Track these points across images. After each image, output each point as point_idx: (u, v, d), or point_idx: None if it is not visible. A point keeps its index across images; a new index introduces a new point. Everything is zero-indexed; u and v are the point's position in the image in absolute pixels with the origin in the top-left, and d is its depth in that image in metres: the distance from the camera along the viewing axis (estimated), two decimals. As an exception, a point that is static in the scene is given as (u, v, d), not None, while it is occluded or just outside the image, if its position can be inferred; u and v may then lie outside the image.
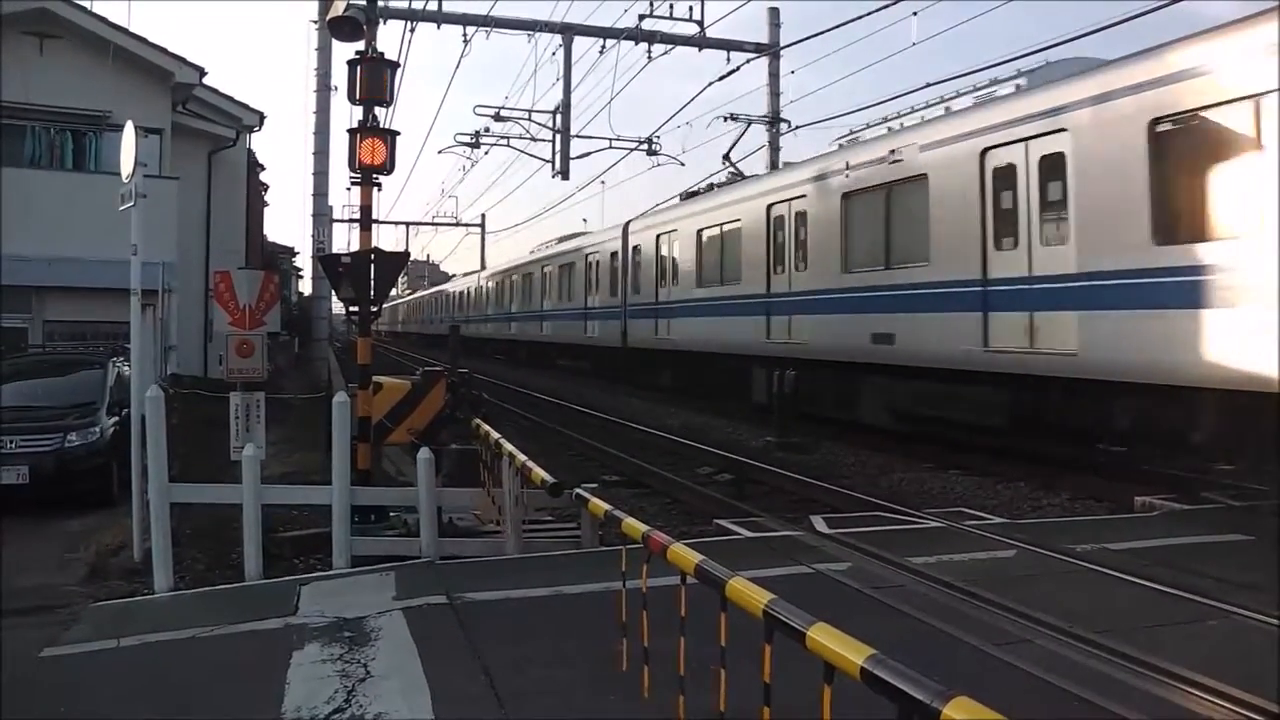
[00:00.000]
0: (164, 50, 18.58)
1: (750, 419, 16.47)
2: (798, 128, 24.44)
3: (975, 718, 1.92)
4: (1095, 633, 4.77)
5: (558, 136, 23.19)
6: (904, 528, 7.90)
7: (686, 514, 9.72)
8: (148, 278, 8.15)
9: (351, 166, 8.07)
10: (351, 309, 8.11)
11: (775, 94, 24.30)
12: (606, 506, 4.74)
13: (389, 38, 25.63)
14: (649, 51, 21.52)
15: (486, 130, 26.11)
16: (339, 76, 23.60)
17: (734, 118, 22.71)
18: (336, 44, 16.52)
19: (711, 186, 20.72)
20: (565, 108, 22.74)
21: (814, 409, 14.92)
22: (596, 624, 4.83)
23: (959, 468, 11.76)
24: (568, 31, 21.73)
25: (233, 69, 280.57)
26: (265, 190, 33.29)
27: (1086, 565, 6.32)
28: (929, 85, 14.30)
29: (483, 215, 66.43)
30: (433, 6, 20.56)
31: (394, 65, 8.33)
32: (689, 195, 21.42)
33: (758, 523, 8.15)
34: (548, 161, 23.71)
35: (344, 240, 50.39)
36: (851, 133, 15.22)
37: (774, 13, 23.72)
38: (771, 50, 23.53)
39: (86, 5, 17.87)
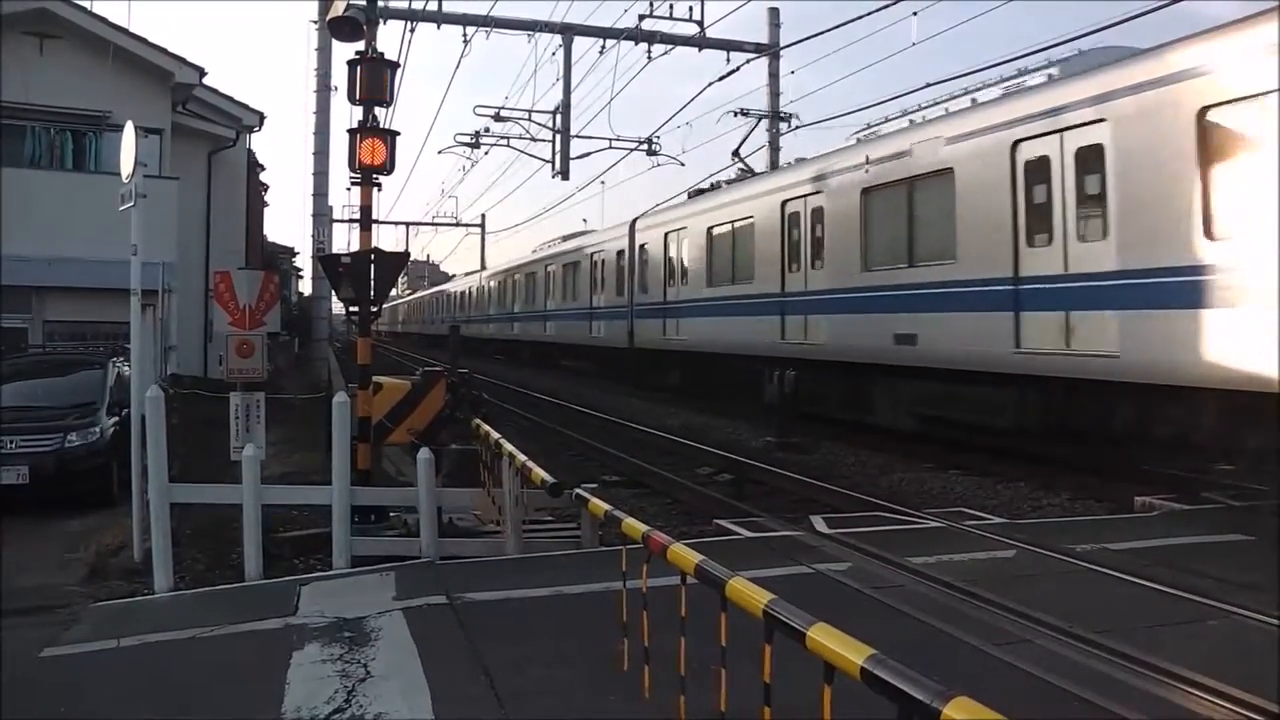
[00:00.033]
0: (164, 50, 18.58)
1: (751, 419, 16.44)
2: (798, 127, 24.34)
3: (975, 718, 1.92)
4: (1095, 633, 4.77)
5: (558, 136, 23.21)
6: (904, 528, 7.89)
7: (686, 514, 9.72)
8: (148, 278, 8.15)
9: (351, 167, 8.07)
10: (351, 309, 8.10)
11: (775, 94, 24.30)
12: (606, 506, 4.74)
13: (389, 38, 25.64)
14: (649, 52, 21.54)
15: (486, 130, 26.16)
16: (339, 76, 23.64)
17: (744, 113, 22.44)
18: (336, 44, 16.54)
19: (718, 185, 20.36)
20: (565, 108, 22.75)
21: (831, 411, 14.61)
22: (597, 624, 4.83)
23: (959, 468, 11.75)
24: (568, 32, 21.74)
25: (233, 69, 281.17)
26: (265, 190, 33.29)
27: (1086, 565, 6.32)
28: (929, 85, 14.29)
29: (483, 215, 66.59)
30: (433, 6, 20.60)
31: (394, 65, 8.33)
32: (697, 193, 21.06)
33: (758, 523, 8.15)
34: (548, 161, 23.74)
35: (344, 240, 50.50)
36: (869, 127, 14.78)
37: (774, 13, 23.74)
38: (771, 50, 23.53)
39: (86, 5, 17.90)
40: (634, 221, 23.26)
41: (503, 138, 25.92)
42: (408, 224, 57.42)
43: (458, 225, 53.97)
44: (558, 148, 23.21)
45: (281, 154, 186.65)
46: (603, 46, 21.73)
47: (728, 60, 22.01)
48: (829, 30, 23.43)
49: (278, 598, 5.96)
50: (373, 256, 8.04)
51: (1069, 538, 7.09)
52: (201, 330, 19.26)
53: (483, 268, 49.14)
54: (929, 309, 12.03)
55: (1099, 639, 4.69)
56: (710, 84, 21.26)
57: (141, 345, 7.83)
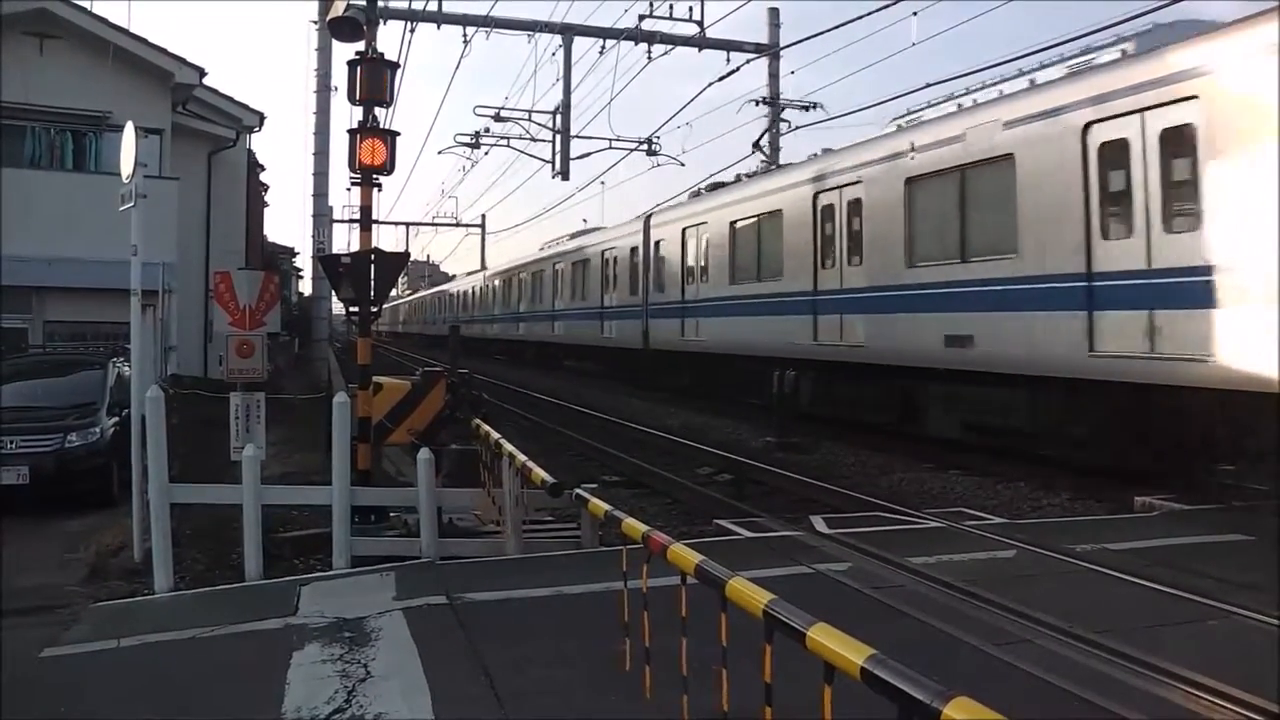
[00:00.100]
0: (164, 51, 18.59)
1: (751, 419, 16.42)
2: (798, 128, 24.26)
3: (975, 718, 1.92)
4: (1095, 633, 4.77)
5: (558, 137, 23.22)
6: (904, 528, 7.90)
7: (686, 514, 9.72)
8: (148, 278, 8.15)
9: (351, 167, 8.07)
10: (351, 309, 8.11)
11: (775, 94, 24.26)
12: (606, 507, 4.74)
13: (389, 38, 25.67)
14: (649, 52, 21.53)
15: (486, 130, 26.18)
16: (339, 77, 23.63)
17: (765, 102, 21.92)
18: (336, 44, 16.57)
19: (739, 177, 19.67)
20: (565, 108, 22.76)
21: (864, 417, 14.06)
22: (597, 624, 4.83)
23: (959, 468, 11.74)
24: (568, 32, 21.75)
25: (233, 69, 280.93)
26: (265, 190, 33.29)
27: (1086, 565, 6.32)
28: (929, 85, 14.18)
29: (483, 216, 66.56)
30: (433, 7, 20.60)
31: (394, 66, 8.33)
32: (715, 186, 20.25)
33: (758, 523, 8.15)
34: (548, 162, 23.75)
35: (344, 240, 50.52)
36: (910, 113, 13.88)
37: (774, 13, 23.72)
38: (771, 50, 23.52)
39: (86, 5, 17.91)
40: (648, 217, 22.46)
41: (503, 138, 25.95)
42: (408, 224, 57.41)
43: (458, 225, 54.02)
44: (558, 148, 23.22)
45: (281, 154, 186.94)
46: (603, 47, 21.76)
47: (728, 60, 22.01)
48: (829, 30, 23.41)
49: (278, 598, 5.96)
50: (373, 257, 8.04)
51: (1069, 538, 7.09)
52: (201, 330, 19.27)
53: (483, 267, 49.08)
54: (986, 308, 11.09)
55: (1099, 639, 4.69)
56: (710, 84, 21.28)
57: (141, 345, 7.84)
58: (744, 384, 17.54)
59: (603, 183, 62.32)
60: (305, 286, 46.92)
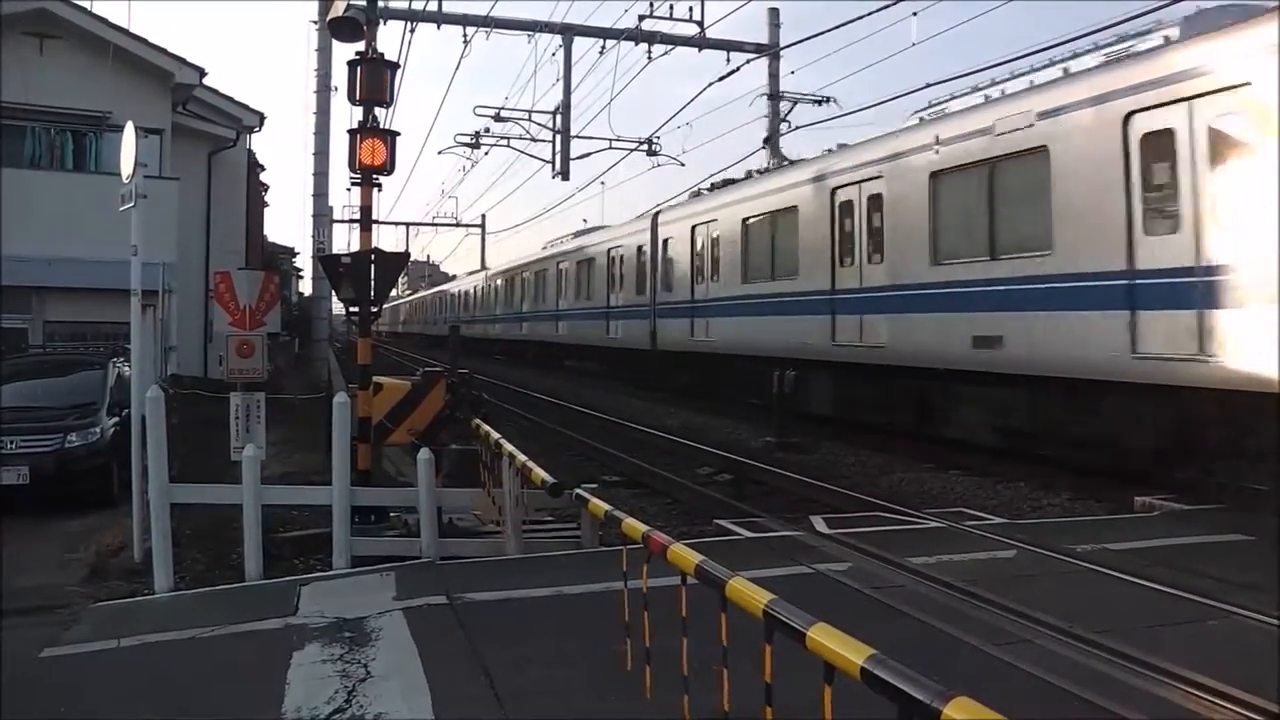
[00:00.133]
0: (164, 51, 18.60)
1: (751, 419, 16.40)
2: (798, 128, 24.21)
3: (975, 718, 1.92)
4: (1095, 633, 4.77)
5: (558, 137, 23.21)
6: (904, 528, 7.90)
7: (686, 514, 9.72)
8: (148, 278, 8.16)
9: (352, 167, 8.07)
10: (351, 309, 8.11)
11: (775, 94, 24.26)
12: (606, 507, 4.74)
13: (389, 38, 25.70)
14: (649, 52, 21.52)
15: (486, 131, 26.16)
16: (339, 77, 23.62)
17: (778, 96, 21.55)
18: (337, 44, 16.56)
19: (750, 174, 19.28)
20: (565, 108, 22.75)
21: (883, 420, 13.68)
22: (597, 624, 4.84)
23: (959, 468, 11.73)
24: (568, 32, 21.74)
25: (233, 69, 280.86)
26: (265, 190, 33.30)
27: (1086, 565, 6.32)
28: (929, 85, 14.15)
29: (483, 216, 66.47)
30: (433, 7, 20.60)
31: (394, 66, 8.34)
32: (725, 183, 19.81)
33: (758, 523, 8.16)
34: (548, 162, 23.74)
35: (344, 241, 50.52)
36: (931, 105, 13.45)
37: (774, 13, 23.71)
38: (771, 50, 23.51)
39: (86, 5, 17.91)
40: (656, 214, 22.00)
41: (503, 138, 25.93)
42: (408, 224, 57.37)
43: (458, 226, 54.01)
44: (558, 148, 23.21)
45: (282, 154, 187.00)
46: (603, 47, 21.74)
47: (728, 60, 21.99)
48: (829, 30, 23.45)
49: (278, 598, 5.97)
50: (373, 257, 8.04)
51: (1069, 538, 7.09)
52: (201, 330, 19.27)
53: (483, 267, 49.01)
54: (1017, 307, 10.61)
55: (1099, 639, 4.69)
56: (710, 84, 21.29)
57: (141, 345, 7.84)
58: (760, 385, 16.38)
59: (603, 183, 62.37)
60: (305, 286, 46.95)
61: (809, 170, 15.69)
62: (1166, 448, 9.51)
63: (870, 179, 13.48)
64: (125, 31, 18.21)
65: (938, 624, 5.05)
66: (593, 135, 36.25)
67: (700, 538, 7.60)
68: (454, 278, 62.80)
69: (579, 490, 5.55)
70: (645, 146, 24.90)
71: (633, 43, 21.54)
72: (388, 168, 8.00)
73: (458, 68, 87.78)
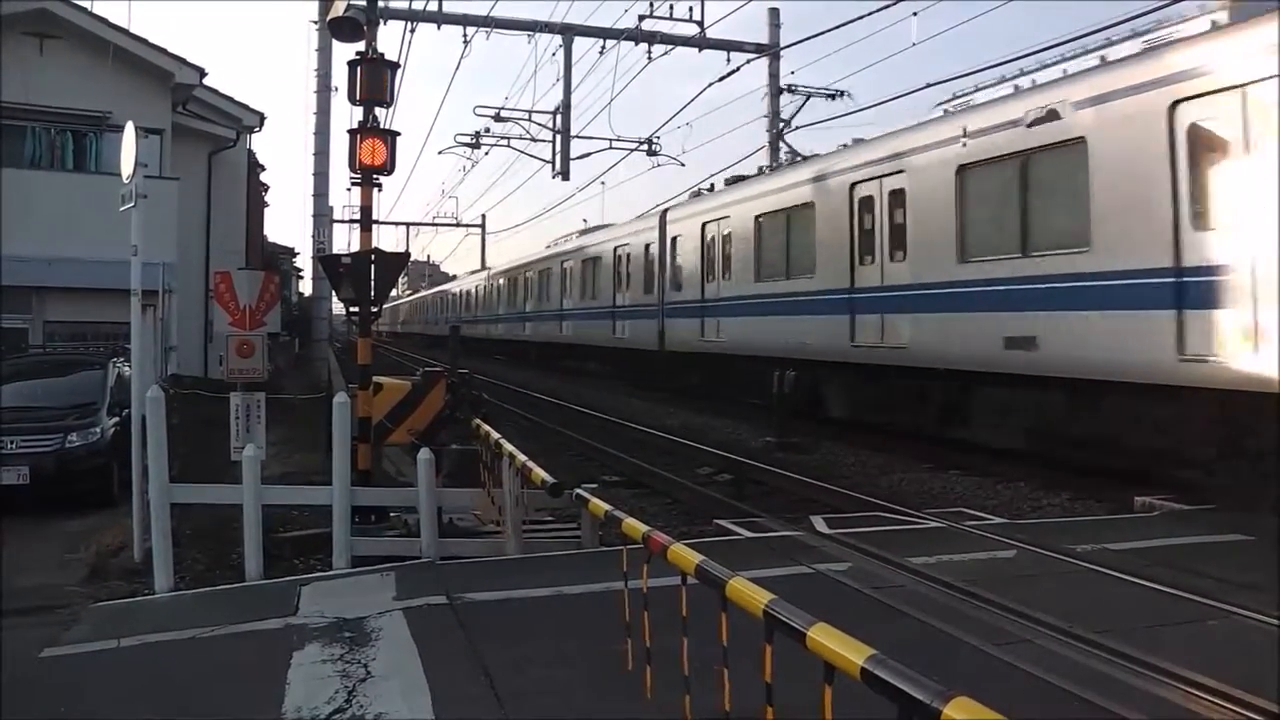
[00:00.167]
0: (164, 51, 18.60)
1: (751, 419, 16.39)
2: (799, 128, 24.19)
3: (975, 718, 1.92)
4: (1095, 633, 4.77)
5: (558, 137, 23.23)
6: (904, 528, 7.90)
7: (687, 514, 9.72)
8: (148, 278, 8.16)
9: (352, 167, 8.08)
10: (352, 309, 8.11)
11: (775, 94, 24.27)
12: (607, 507, 4.74)
13: (389, 38, 25.66)
14: (649, 52, 21.55)
15: (487, 131, 26.18)
16: (339, 77, 23.61)
17: (791, 89, 21.19)
18: (337, 44, 16.55)
19: (761, 170, 19.00)
20: (565, 108, 22.76)
21: (903, 423, 13.30)
22: (597, 624, 4.84)
23: (959, 468, 11.73)
24: (568, 32, 21.76)
25: (233, 69, 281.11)
26: (265, 190, 33.31)
27: (1087, 565, 6.32)
28: (929, 85, 14.14)
29: (483, 216, 66.52)
30: (433, 7, 20.62)
31: (394, 66, 8.34)
32: (736, 179, 19.46)
33: (758, 523, 8.16)
34: (548, 162, 23.76)
35: (344, 241, 50.44)
36: (955, 97, 12.99)
37: (774, 13, 23.73)
38: (771, 51, 23.52)
39: (86, 5, 17.92)
40: (665, 211, 21.55)
41: (503, 138, 25.95)
42: (408, 224, 57.46)
43: (458, 226, 54.07)
44: (558, 148, 23.23)
45: (282, 154, 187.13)
46: (603, 47, 21.76)
47: (728, 60, 22.04)
48: (829, 30, 23.51)
49: (278, 598, 5.97)
50: (373, 257, 8.05)
51: (1069, 538, 7.09)
52: (202, 330, 19.28)
53: (483, 267, 48.92)
54: (1052, 307, 10.16)
55: (1099, 639, 4.69)
56: (710, 84, 21.32)
57: (142, 345, 7.84)
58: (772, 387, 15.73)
59: (603, 183, 62.27)
60: (305, 286, 46.96)
61: (826, 165, 15.18)
62: (1220, 453, 8.95)
63: (892, 174, 13.01)
64: (125, 31, 18.22)
65: (938, 624, 5.05)
66: (593, 135, 36.35)
67: (700, 538, 7.60)
68: (454, 278, 62.76)
69: (579, 490, 5.54)
70: (645, 146, 24.93)
71: (633, 43, 21.57)
72: (388, 168, 8.01)
73: (458, 68, 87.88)
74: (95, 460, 9.72)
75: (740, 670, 3.14)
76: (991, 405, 11.65)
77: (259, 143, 44.44)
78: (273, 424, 8.98)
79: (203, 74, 19.51)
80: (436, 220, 54.42)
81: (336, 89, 22.30)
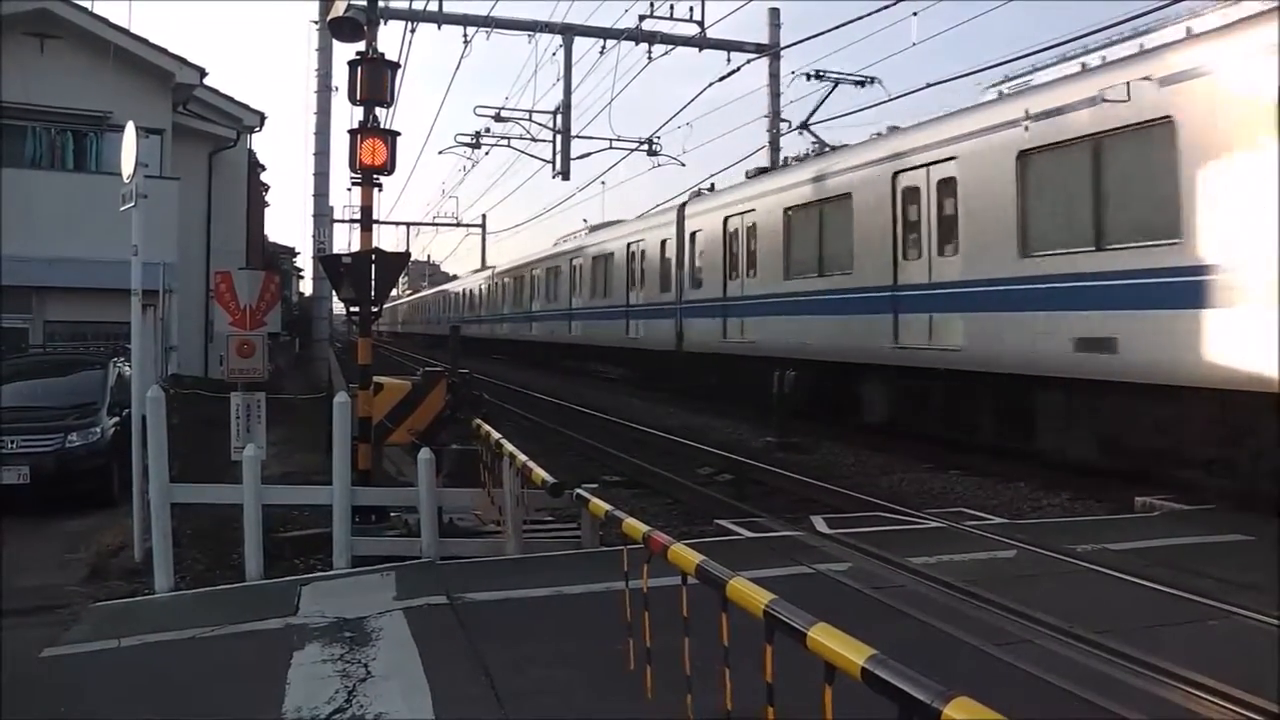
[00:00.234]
0: (164, 51, 18.60)
1: (751, 419, 16.38)
2: (800, 127, 24.08)
3: (975, 718, 1.92)
4: (1095, 633, 4.77)
5: (558, 137, 23.22)
6: (904, 528, 7.90)
7: (687, 514, 9.72)
8: (148, 278, 8.16)
9: (352, 167, 8.08)
10: (352, 309, 8.11)
11: (775, 94, 24.28)
12: (607, 507, 4.74)
13: (389, 38, 25.76)
14: (649, 52, 21.54)
15: (487, 131, 26.18)
16: (339, 77, 23.61)
17: (819, 76, 20.85)
18: (337, 44, 16.58)
19: (788, 161, 18.32)
20: (565, 108, 22.75)
21: (955, 431, 12.43)
22: (597, 624, 4.84)
23: (959, 468, 11.73)
24: (568, 32, 21.75)
25: (233, 69, 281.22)
26: (266, 190, 33.31)
27: (1087, 565, 6.32)
28: (929, 85, 14.11)
29: (483, 215, 66.62)
30: (433, 7, 20.62)
31: (394, 66, 8.34)
32: (759, 171, 18.80)
33: (758, 523, 8.17)
34: (548, 162, 23.74)
35: (345, 241, 50.57)
36: (1007, 79, 12.17)
37: (774, 13, 23.73)
38: (772, 51, 23.53)
39: (86, 5, 17.91)
40: (683, 205, 20.60)
41: (503, 138, 25.96)
42: (408, 224, 57.50)
43: (458, 225, 54.08)
44: (558, 148, 23.21)
45: (282, 154, 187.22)
46: (603, 47, 21.76)
47: (728, 60, 22.03)
48: (829, 30, 23.50)
49: (278, 598, 5.97)
50: (373, 257, 8.05)
51: (1069, 538, 7.09)
52: (202, 330, 19.29)
53: (485, 266, 48.83)
54: (1134, 305, 9.21)
55: (1099, 639, 4.69)
56: (710, 84, 21.30)
57: (142, 345, 7.84)
58: (802, 391, 14.64)
59: (603, 183, 62.28)
60: (306, 286, 46.94)
61: (865, 154, 14.06)
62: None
63: (940, 161, 12.01)
64: (125, 31, 18.21)
65: (938, 624, 5.06)
66: (593, 135, 36.39)
67: (701, 538, 7.60)
68: (454, 277, 62.74)
69: (579, 490, 5.54)
70: (646, 146, 24.93)
71: (633, 43, 21.56)
72: (388, 168, 8.00)
73: (458, 68, 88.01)
74: (95, 460, 9.72)
75: (741, 670, 3.14)
76: (1057, 411, 10.69)
77: (259, 143, 44.48)
78: (273, 424, 8.97)
79: (203, 74, 19.51)
80: (437, 220, 54.49)
81: (337, 89, 22.36)
